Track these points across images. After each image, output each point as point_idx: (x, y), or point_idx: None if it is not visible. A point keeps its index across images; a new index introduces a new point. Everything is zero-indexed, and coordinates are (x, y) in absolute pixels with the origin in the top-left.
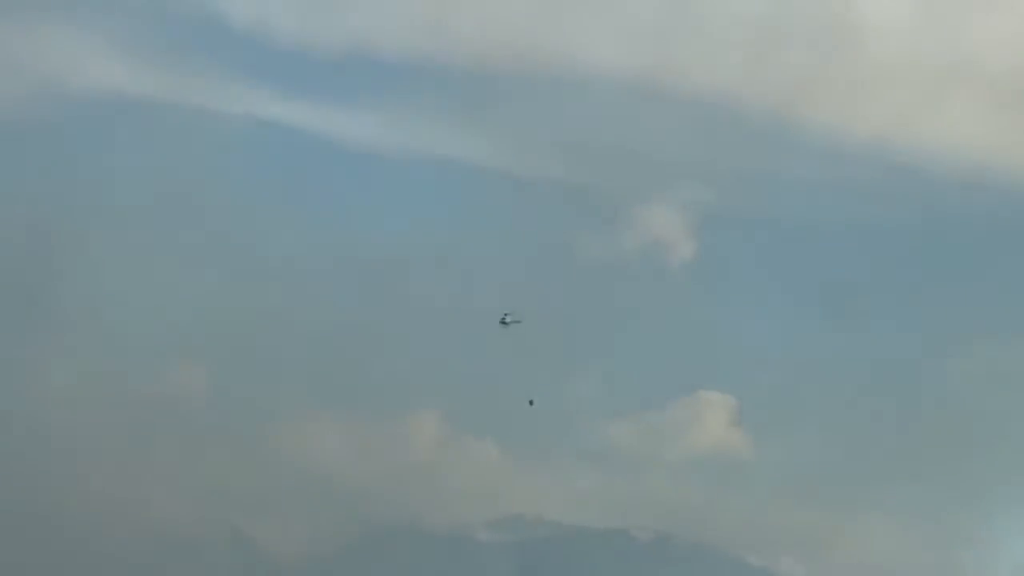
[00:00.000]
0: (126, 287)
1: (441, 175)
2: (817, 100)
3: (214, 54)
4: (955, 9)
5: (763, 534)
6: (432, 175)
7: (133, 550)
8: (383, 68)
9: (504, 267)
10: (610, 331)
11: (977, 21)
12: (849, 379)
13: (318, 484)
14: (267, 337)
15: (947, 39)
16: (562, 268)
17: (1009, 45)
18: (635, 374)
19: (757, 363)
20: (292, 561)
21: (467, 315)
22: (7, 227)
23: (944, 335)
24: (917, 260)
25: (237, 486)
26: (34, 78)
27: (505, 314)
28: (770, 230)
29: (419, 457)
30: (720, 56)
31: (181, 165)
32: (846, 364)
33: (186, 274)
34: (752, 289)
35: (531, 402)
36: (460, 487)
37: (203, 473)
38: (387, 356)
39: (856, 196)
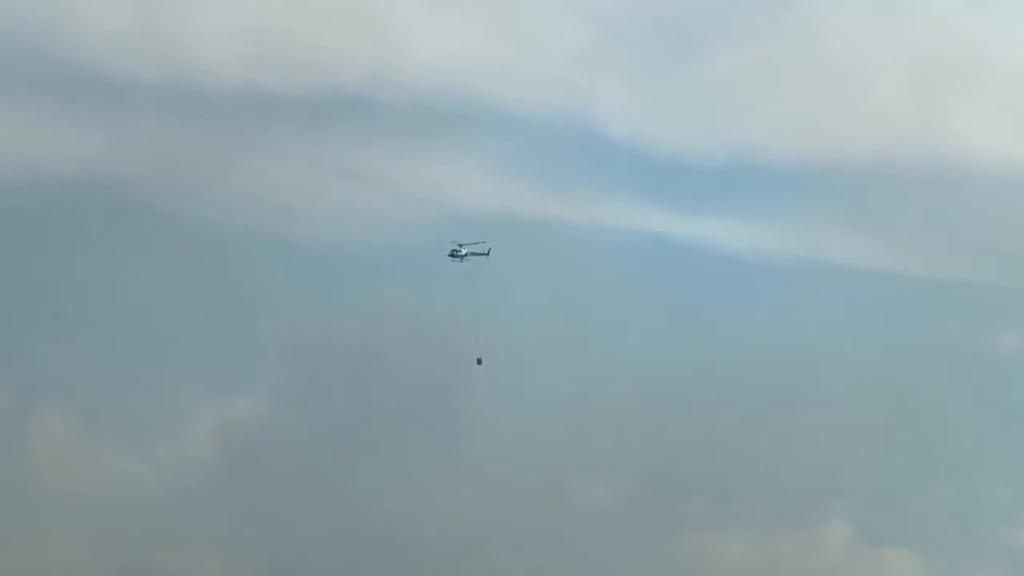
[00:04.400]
0: (520, 403)
1: (826, 279)
2: None
3: (594, 168)
4: None
5: None
6: (819, 279)
7: None
8: (764, 174)
9: (915, 367)
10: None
11: None
12: None
13: None
14: (665, 448)
15: None
16: (975, 365)
17: None
18: None
19: None
20: None
21: (869, 417)
22: (412, 348)
23: None
24: None
25: None
26: (425, 205)
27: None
28: None
29: (828, 570)
30: None
31: (565, 278)
32: None
33: (579, 389)
34: None
35: (479, 360)
36: None
37: None
38: (788, 462)
39: None
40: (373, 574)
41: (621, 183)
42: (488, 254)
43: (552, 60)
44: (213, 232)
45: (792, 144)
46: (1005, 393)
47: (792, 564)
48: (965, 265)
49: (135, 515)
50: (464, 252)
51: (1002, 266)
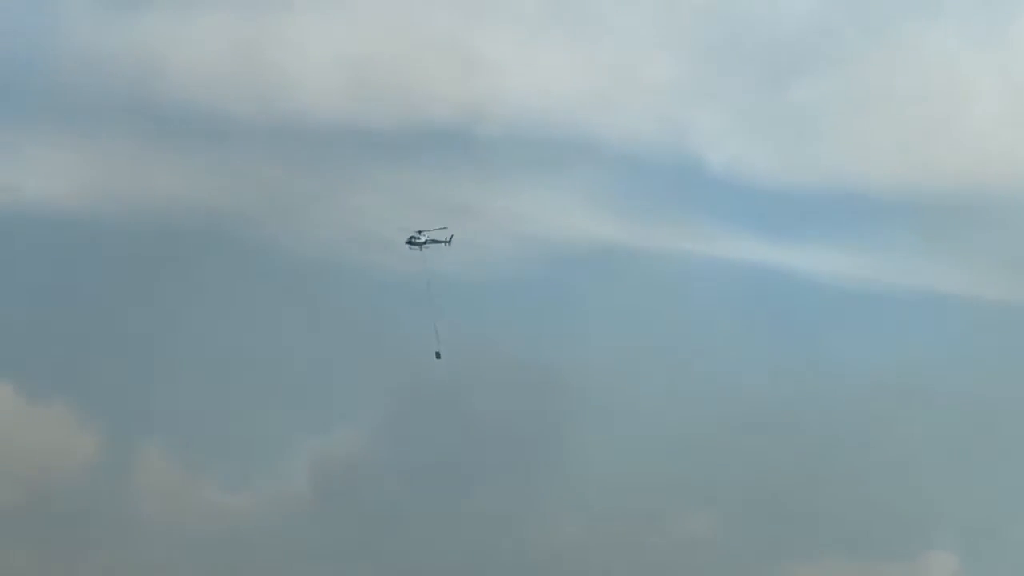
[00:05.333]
0: (619, 434)
1: (925, 306)
2: None
3: (693, 198)
4: None
5: None
6: (918, 307)
7: None
8: (860, 201)
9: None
10: None
11: None
12: None
13: None
14: (766, 476)
15: None
16: None
17: None
18: None
19: None
20: None
21: (973, 445)
22: (512, 381)
23: None
24: None
25: None
26: (520, 238)
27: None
28: None
29: None
30: None
31: (662, 308)
32: None
33: (678, 418)
34: None
35: (438, 354)
36: None
37: None
38: (891, 489)
39: None
40: None
41: (718, 212)
42: (449, 242)
43: (647, 90)
44: (311, 266)
45: (888, 170)
46: None
47: None
48: None
49: (236, 549)
50: (423, 239)
51: None
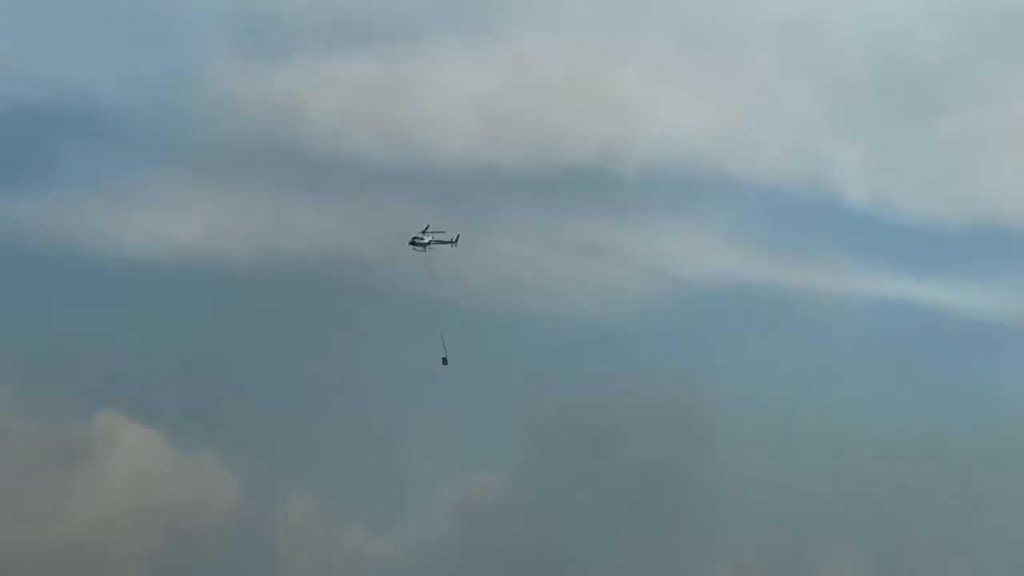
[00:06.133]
0: (762, 473)
1: None
2: None
3: (832, 235)
4: None
5: None
6: None
7: None
8: (1005, 236)
9: None
10: None
11: None
12: None
13: None
14: (912, 515)
15: None
16: None
17: None
18: None
19: None
20: None
21: None
22: (655, 420)
23: None
24: None
25: None
26: (659, 277)
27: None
28: None
29: None
30: None
31: (802, 346)
32: None
33: (821, 457)
34: None
35: (444, 360)
36: None
37: None
38: None
39: None
40: None
41: (859, 249)
42: (456, 243)
43: (785, 127)
44: (449, 309)
45: None
46: None
47: None
48: None
49: None
50: (428, 240)
51: None
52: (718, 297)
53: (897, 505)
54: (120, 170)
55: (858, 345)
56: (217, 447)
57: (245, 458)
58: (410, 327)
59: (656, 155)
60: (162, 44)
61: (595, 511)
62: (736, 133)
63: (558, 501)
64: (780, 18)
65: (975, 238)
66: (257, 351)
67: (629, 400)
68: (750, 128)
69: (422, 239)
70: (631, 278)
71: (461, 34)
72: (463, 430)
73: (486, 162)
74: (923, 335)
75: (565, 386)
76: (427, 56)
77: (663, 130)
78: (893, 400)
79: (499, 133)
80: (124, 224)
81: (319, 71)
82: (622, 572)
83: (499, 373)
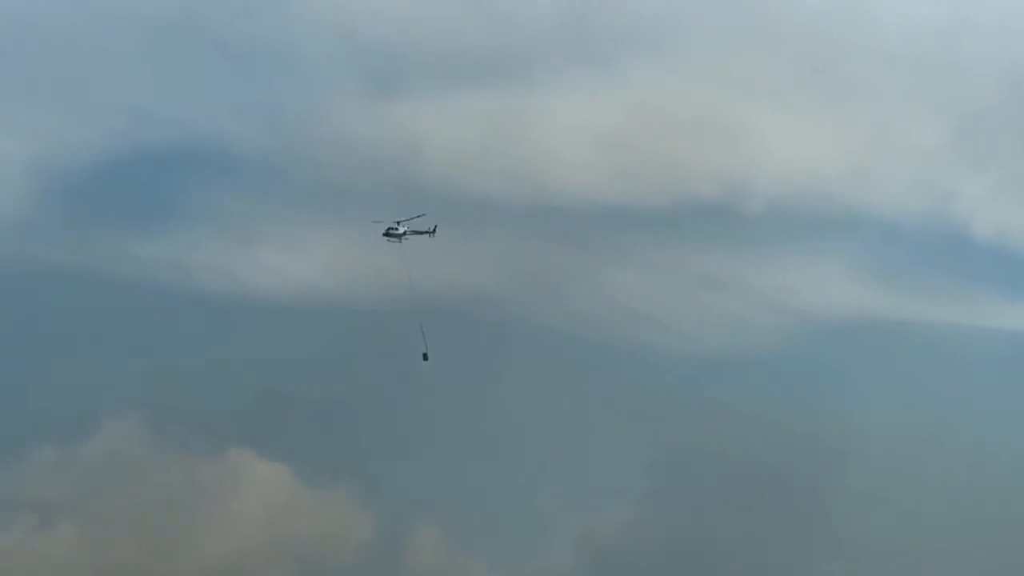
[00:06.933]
0: (896, 505)
1: None
2: None
3: (959, 268)
4: None
5: None
6: None
7: None
8: None
9: None
10: None
11: None
12: None
13: None
14: None
15: None
16: None
17: None
18: None
19: None
20: None
21: None
22: (779, 453)
23: None
24: None
25: None
26: (783, 311)
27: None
28: None
29: None
30: None
31: (929, 379)
32: None
33: (949, 492)
34: None
35: (425, 356)
36: None
37: None
38: None
39: None
40: None
41: (985, 281)
42: (434, 232)
43: (910, 158)
44: (573, 344)
45: None
46: None
47: None
48: None
49: None
50: (402, 231)
51: None
52: (841, 330)
53: None
54: (246, 209)
55: (984, 378)
56: (345, 483)
57: (374, 493)
58: (536, 362)
59: (779, 188)
60: (285, 83)
61: (720, 545)
62: (861, 165)
63: (683, 535)
64: (906, 48)
65: None
66: (383, 388)
67: (753, 433)
68: (875, 160)
69: (396, 229)
70: (754, 312)
71: (579, 68)
72: (589, 463)
73: (606, 197)
74: None
75: (689, 419)
76: (545, 91)
77: (786, 163)
78: (1022, 433)
79: (619, 168)
80: (250, 263)
81: (439, 108)
82: None
83: (624, 406)
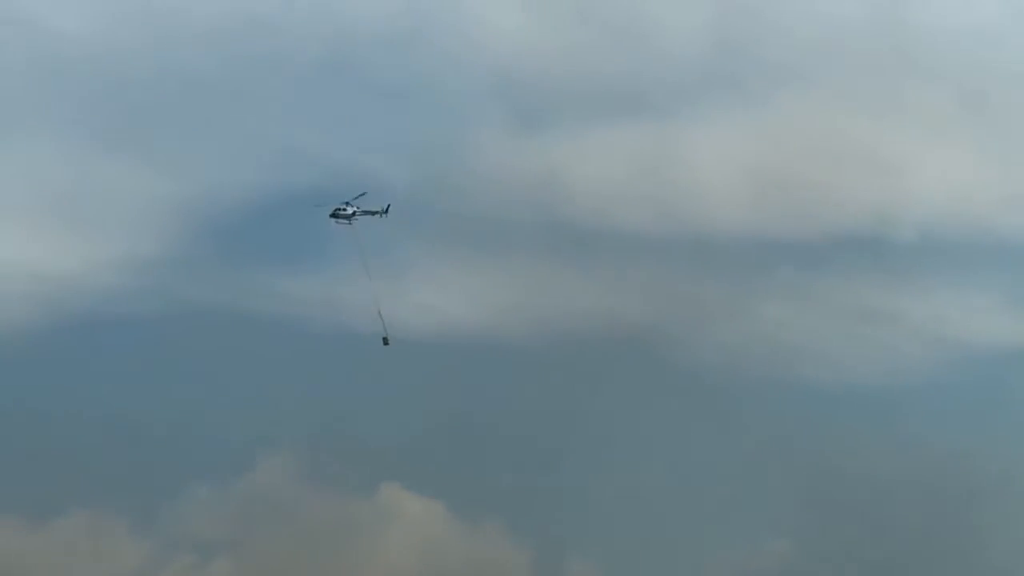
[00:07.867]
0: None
1: None
2: None
3: None
4: None
5: None
6: None
7: None
8: None
9: None
10: None
11: None
12: None
13: None
14: None
15: None
16: None
17: None
18: None
19: None
20: None
21: None
22: (936, 489)
23: None
24: None
25: None
26: (935, 342)
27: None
28: None
29: None
30: None
31: None
32: None
33: None
34: None
35: (385, 340)
36: None
37: None
38: None
39: None
40: None
41: None
42: (386, 212)
43: None
44: (722, 378)
45: None
46: None
47: None
48: None
49: None
50: (351, 211)
51: None
52: (996, 359)
53: None
54: (395, 247)
55: None
56: (499, 518)
57: (529, 528)
58: (690, 396)
59: (930, 217)
60: (433, 118)
61: None
62: (1012, 192)
63: (841, 567)
64: None
65: None
66: (535, 424)
67: (909, 464)
68: None
69: (345, 210)
70: (908, 343)
71: (725, 99)
72: (745, 496)
73: (756, 229)
74: None
75: (845, 451)
76: (693, 123)
77: (937, 191)
78: None
79: (769, 199)
80: (400, 302)
81: (586, 141)
82: None
83: (779, 439)
